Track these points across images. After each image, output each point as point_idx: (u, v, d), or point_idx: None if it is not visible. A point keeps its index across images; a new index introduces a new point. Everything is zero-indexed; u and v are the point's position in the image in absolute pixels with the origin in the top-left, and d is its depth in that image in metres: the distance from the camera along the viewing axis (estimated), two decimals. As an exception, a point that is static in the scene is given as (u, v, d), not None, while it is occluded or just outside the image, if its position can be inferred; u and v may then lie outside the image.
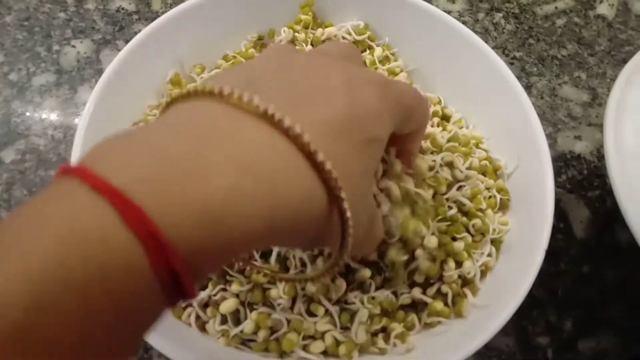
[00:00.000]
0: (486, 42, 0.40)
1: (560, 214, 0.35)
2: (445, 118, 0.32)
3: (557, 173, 0.37)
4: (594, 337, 0.32)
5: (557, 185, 0.36)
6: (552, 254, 0.33)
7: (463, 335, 0.25)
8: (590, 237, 0.35)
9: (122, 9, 0.42)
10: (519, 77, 0.40)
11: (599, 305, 0.33)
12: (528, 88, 0.40)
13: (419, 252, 0.26)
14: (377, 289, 0.26)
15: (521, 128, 0.29)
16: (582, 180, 0.37)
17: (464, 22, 0.43)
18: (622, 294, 0.33)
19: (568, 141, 0.38)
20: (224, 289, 0.25)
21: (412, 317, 0.26)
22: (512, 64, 0.41)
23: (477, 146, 0.30)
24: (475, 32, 0.42)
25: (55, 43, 0.41)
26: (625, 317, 0.32)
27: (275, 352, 0.24)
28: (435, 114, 0.32)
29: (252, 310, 0.25)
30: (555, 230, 0.35)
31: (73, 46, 0.40)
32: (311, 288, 0.25)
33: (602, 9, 0.45)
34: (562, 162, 0.37)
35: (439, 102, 0.33)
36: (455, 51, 0.32)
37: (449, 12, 0.43)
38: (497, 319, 0.24)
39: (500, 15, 0.44)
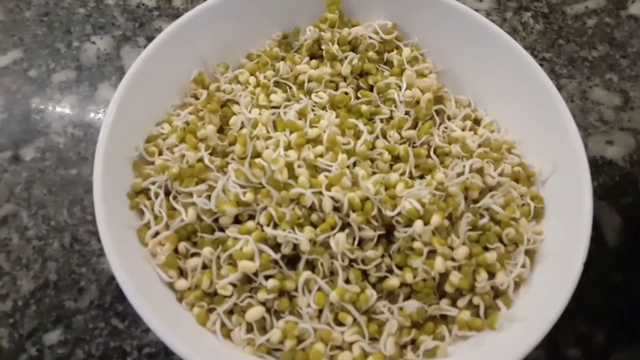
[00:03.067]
0: (514, 42, 0.39)
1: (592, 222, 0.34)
2: (476, 121, 0.31)
3: (587, 179, 0.36)
4: (627, 349, 0.31)
5: (588, 191, 0.35)
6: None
7: (497, 349, 0.24)
8: (622, 245, 0.33)
9: (143, 4, 0.42)
10: (549, 79, 0.39)
11: (632, 316, 0.31)
12: (557, 90, 0.39)
13: (448, 264, 0.25)
14: (405, 299, 0.26)
15: (556, 132, 0.28)
16: (614, 186, 0.35)
17: (491, 22, 0.42)
18: (656, 305, 0.32)
19: (599, 146, 0.37)
20: (250, 296, 0.25)
21: (442, 328, 0.25)
22: (541, 65, 0.40)
23: (509, 151, 0.29)
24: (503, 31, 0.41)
25: (75, 39, 0.40)
26: (660, 330, 0.31)
27: (302, 363, 0.24)
28: (467, 117, 0.31)
29: (278, 318, 0.24)
30: (585, 238, 0.34)
31: (93, 42, 0.40)
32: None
33: (635, 8, 0.43)
34: (593, 168, 0.36)
35: (469, 105, 0.32)
36: (485, 51, 0.31)
37: (476, 11, 0.42)
38: (534, 333, 0.23)
39: (529, 14, 0.42)
